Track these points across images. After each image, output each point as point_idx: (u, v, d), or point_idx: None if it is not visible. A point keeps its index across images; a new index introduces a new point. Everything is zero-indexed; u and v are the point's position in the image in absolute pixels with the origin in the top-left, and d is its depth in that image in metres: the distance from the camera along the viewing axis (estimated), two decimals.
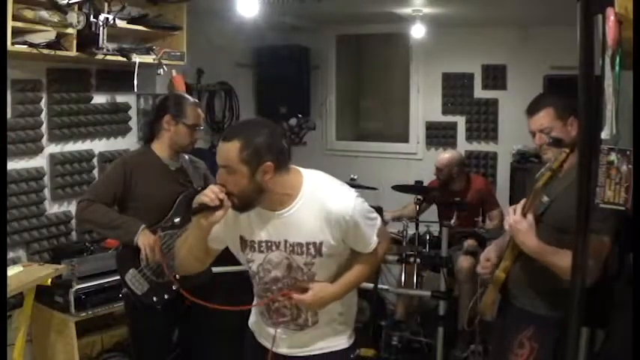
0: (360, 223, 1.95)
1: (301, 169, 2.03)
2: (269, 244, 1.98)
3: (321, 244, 1.94)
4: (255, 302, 2.15)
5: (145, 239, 2.66)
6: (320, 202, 1.94)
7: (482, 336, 3.68)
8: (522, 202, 2.20)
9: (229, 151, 1.84)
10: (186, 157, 2.95)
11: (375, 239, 2.03)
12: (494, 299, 2.32)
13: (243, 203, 1.89)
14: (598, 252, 2.06)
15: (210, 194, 1.83)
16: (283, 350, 2.09)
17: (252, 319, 2.23)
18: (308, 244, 1.94)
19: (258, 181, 1.86)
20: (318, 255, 1.95)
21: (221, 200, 1.83)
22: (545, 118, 2.28)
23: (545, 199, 2.17)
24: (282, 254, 1.98)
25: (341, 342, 2.13)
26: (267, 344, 2.10)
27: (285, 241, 1.96)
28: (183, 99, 2.91)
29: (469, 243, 4.16)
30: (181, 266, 2.11)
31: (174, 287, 2.78)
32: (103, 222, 2.74)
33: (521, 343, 2.26)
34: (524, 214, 2.14)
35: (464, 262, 4.12)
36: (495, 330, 2.50)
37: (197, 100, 3.12)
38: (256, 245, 2.00)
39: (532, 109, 2.35)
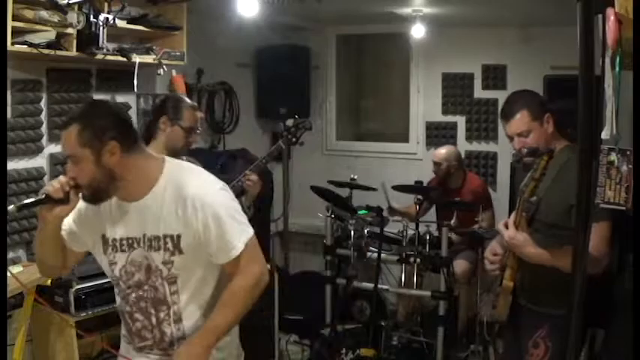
0: (222, 217, 1.73)
1: (165, 157, 1.86)
2: (130, 241, 1.79)
3: (179, 237, 1.73)
4: (122, 321, 1.93)
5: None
6: (179, 188, 1.74)
7: (494, 338, 3.68)
8: (512, 216, 2.21)
9: (69, 137, 1.68)
10: (184, 158, 2.95)
11: (239, 245, 1.74)
12: (507, 304, 2.33)
13: (95, 193, 1.72)
14: (602, 237, 2.07)
15: (56, 184, 1.69)
16: None
17: (121, 345, 2.00)
18: (165, 237, 1.74)
19: (105, 166, 1.69)
20: (178, 252, 1.74)
21: (67, 193, 1.69)
22: (521, 121, 2.29)
23: (534, 198, 2.19)
24: (142, 253, 1.78)
25: None
26: None
27: (144, 235, 1.77)
28: (181, 101, 2.92)
29: (453, 236, 4.16)
30: (40, 267, 1.94)
31: None
32: None
33: (536, 342, 2.27)
34: (516, 227, 2.15)
35: (457, 267, 4.13)
36: (506, 331, 2.50)
37: (195, 104, 3.14)
38: (117, 243, 1.80)
39: (507, 114, 2.34)
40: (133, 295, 1.82)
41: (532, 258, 2.14)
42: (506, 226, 2.20)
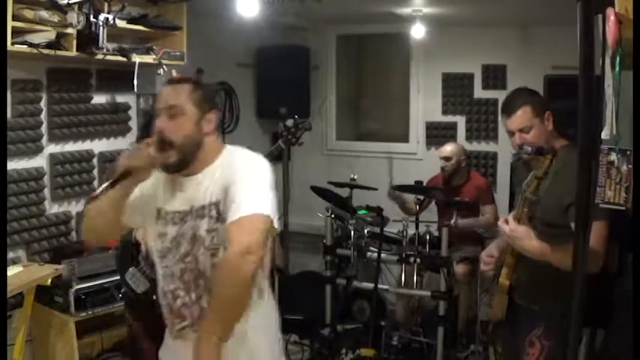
0: (248, 181, 1.74)
1: (226, 144, 1.95)
2: (181, 214, 1.84)
3: (221, 203, 1.77)
4: (160, 298, 1.92)
5: (143, 231, 2.67)
6: (230, 164, 1.83)
7: (491, 338, 3.68)
8: (513, 213, 2.21)
9: (179, 91, 1.78)
10: None
11: (245, 210, 1.68)
12: (504, 303, 2.33)
13: (183, 157, 1.78)
14: (599, 236, 2.08)
15: (144, 156, 1.74)
16: None
17: (163, 345, 2.01)
18: (210, 204, 1.79)
19: (200, 131, 1.80)
20: (221, 219, 1.76)
21: (152, 161, 1.75)
22: (523, 117, 2.29)
23: (533, 198, 2.18)
24: (190, 224, 1.82)
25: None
26: None
27: (192, 207, 1.82)
28: None
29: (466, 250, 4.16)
30: (88, 230, 1.92)
31: None
32: None
33: (532, 342, 2.27)
34: (517, 221, 2.15)
35: (459, 268, 4.13)
36: (503, 330, 2.50)
37: None
38: (170, 216, 1.86)
39: (509, 109, 2.34)
40: (178, 268, 1.83)
41: (532, 251, 2.12)
42: (507, 223, 2.19)
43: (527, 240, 2.11)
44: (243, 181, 1.75)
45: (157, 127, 1.78)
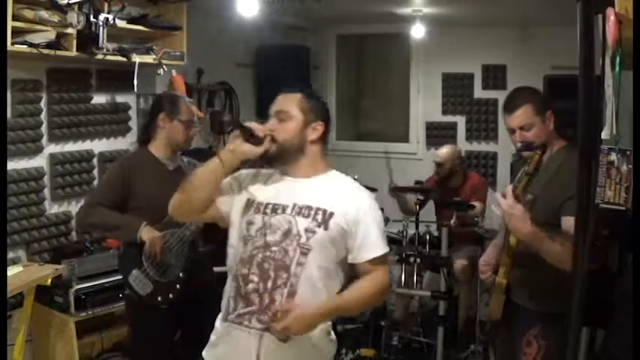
0: (375, 219, 1.94)
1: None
2: (276, 206, 1.92)
3: (331, 214, 1.88)
4: (229, 282, 1.97)
5: (148, 233, 2.68)
6: (345, 183, 2.01)
7: (489, 337, 3.68)
8: (509, 188, 2.12)
9: (291, 98, 1.96)
10: (185, 159, 2.96)
11: (385, 247, 1.94)
12: (501, 302, 2.32)
13: (281, 153, 1.92)
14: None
15: (259, 125, 1.90)
16: None
17: (212, 338, 1.98)
18: (318, 209, 1.89)
19: (304, 137, 1.94)
20: (324, 226, 1.86)
21: (264, 137, 1.88)
22: (524, 114, 2.27)
23: (529, 196, 2.16)
24: (286, 217, 1.89)
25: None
26: None
27: (294, 204, 1.91)
28: (177, 97, 2.97)
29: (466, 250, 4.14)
30: (177, 202, 1.98)
31: (177, 286, 2.78)
32: (104, 224, 2.77)
33: (529, 341, 2.26)
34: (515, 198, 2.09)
35: (457, 264, 4.13)
36: (501, 330, 2.50)
37: (191, 99, 3.17)
38: (262, 207, 1.93)
39: (510, 106, 2.32)
40: (259, 255, 1.87)
41: (527, 234, 2.05)
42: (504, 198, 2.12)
43: (522, 220, 2.03)
44: (370, 219, 1.92)
45: (267, 127, 1.93)
